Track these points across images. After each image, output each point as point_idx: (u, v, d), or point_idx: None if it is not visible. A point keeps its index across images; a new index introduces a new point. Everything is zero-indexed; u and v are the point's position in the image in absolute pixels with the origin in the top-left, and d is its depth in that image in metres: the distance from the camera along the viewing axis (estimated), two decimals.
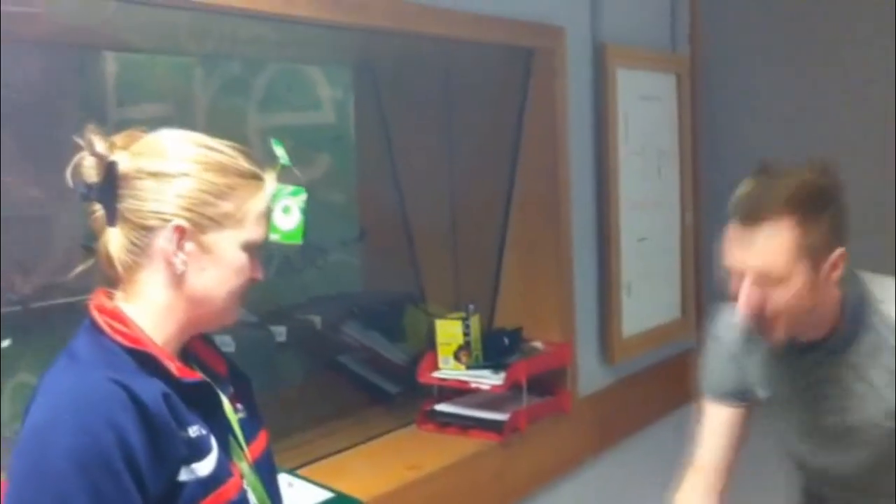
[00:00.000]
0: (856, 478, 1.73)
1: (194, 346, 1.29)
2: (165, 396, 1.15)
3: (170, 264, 1.18)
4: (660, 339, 2.93)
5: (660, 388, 2.98)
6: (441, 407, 2.33)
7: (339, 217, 2.85)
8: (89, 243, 1.23)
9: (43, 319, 2.24)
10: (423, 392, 2.38)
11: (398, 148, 2.74)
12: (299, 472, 1.95)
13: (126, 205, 1.17)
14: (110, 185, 1.17)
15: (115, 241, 1.18)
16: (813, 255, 1.48)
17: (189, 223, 1.17)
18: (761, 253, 1.47)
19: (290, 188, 1.30)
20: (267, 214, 1.25)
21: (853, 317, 1.59)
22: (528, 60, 2.47)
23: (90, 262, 1.22)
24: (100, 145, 1.17)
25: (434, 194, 2.69)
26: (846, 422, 1.65)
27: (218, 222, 1.19)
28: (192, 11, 1.73)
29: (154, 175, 1.17)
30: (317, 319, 2.42)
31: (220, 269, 1.20)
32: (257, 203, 1.22)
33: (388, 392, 2.44)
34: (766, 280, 1.48)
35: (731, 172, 3.07)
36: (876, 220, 2.73)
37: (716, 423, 1.85)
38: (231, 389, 1.30)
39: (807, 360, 1.64)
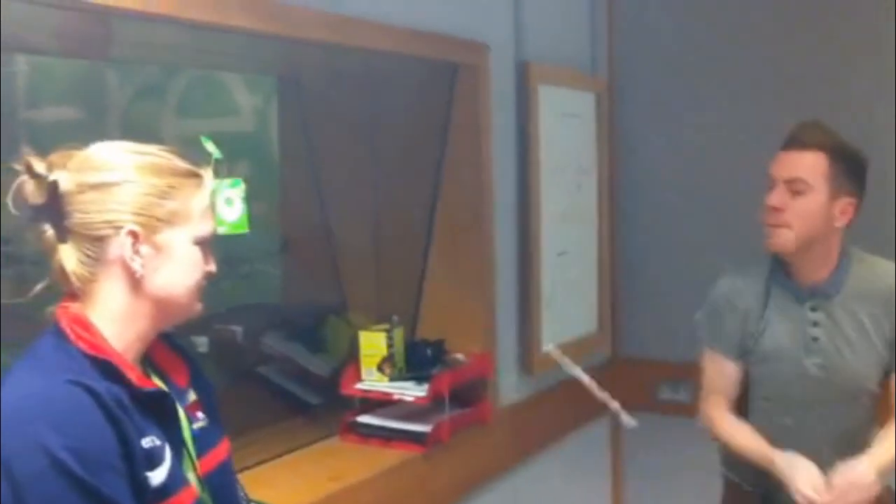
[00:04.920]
0: (830, 440, 2.00)
1: (156, 355, 1.30)
2: (122, 404, 1.15)
3: (128, 269, 1.21)
4: (577, 352, 2.98)
5: (577, 399, 3.03)
6: (363, 419, 2.33)
7: (260, 226, 2.81)
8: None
9: None
10: (345, 404, 2.37)
11: (322, 159, 2.74)
12: None
13: (74, 220, 1.19)
14: (55, 203, 1.19)
15: (68, 256, 1.20)
16: (833, 186, 1.97)
17: (140, 227, 1.20)
18: (798, 166, 1.97)
19: (229, 180, 1.34)
20: (211, 208, 1.29)
21: (845, 265, 2.03)
22: (452, 75, 2.50)
23: (47, 280, 1.24)
24: (39, 167, 1.19)
25: (357, 206, 2.70)
26: (834, 366, 1.98)
27: (167, 221, 1.22)
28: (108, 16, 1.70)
29: (96, 187, 1.19)
30: (238, 330, 2.40)
31: (176, 267, 1.23)
32: (200, 198, 1.26)
33: (309, 403, 2.42)
34: (794, 188, 1.96)
35: (644, 190, 3.22)
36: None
37: (716, 376, 2.20)
38: (190, 398, 1.31)
39: (805, 306, 2.03)
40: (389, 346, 2.33)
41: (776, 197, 1.98)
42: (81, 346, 1.18)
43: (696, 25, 3.10)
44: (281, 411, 2.41)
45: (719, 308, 2.17)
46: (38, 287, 1.23)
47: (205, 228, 1.26)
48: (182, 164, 1.25)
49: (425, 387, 2.26)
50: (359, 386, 2.32)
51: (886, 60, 2.78)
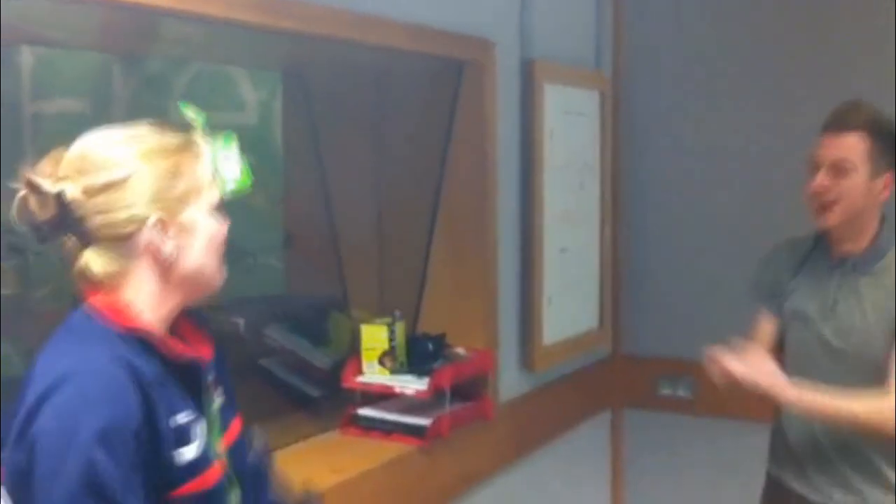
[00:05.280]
0: None
1: (181, 330, 1.31)
2: (160, 379, 1.18)
3: (158, 257, 1.21)
4: (578, 348, 3.00)
5: (577, 395, 3.06)
6: (364, 411, 2.34)
7: (263, 219, 2.83)
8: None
9: None
10: (346, 397, 2.39)
11: (326, 154, 2.75)
12: None
13: (94, 223, 1.18)
14: (67, 213, 1.18)
15: (95, 259, 1.20)
16: (875, 164, 2.02)
17: (163, 212, 1.20)
18: (841, 148, 2.02)
19: (220, 139, 1.31)
20: (214, 171, 1.29)
21: (883, 242, 2.07)
22: (458, 72, 2.51)
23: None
24: (42, 182, 1.17)
25: (361, 201, 2.70)
26: (847, 334, 2.05)
27: (184, 200, 1.22)
28: (115, 9, 1.71)
29: (107, 187, 1.18)
30: (240, 322, 2.41)
31: (202, 240, 1.24)
32: (205, 167, 1.26)
33: (310, 396, 2.44)
34: (838, 168, 2.01)
35: (647, 188, 3.24)
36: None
37: (755, 323, 2.24)
38: (212, 375, 1.31)
39: (835, 274, 2.10)
40: (391, 339, 2.35)
41: (821, 180, 2.04)
42: (115, 322, 1.19)
43: (703, 24, 3.11)
44: (282, 404, 2.42)
45: (762, 264, 2.29)
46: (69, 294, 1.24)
47: (216, 194, 1.27)
48: (177, 138, 1.25)
49: (426, 381, 2.28)
50: (360, 379, 2.33)
51: (888, 60, 2.78)
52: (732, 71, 3.06)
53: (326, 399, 2.43)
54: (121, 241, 1.19)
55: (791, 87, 2.97)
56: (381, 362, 2.34)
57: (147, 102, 2.83)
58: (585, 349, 3.06)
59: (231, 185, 1.30)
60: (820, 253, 2.15)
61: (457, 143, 2.54)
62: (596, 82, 3.05)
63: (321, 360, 2.46)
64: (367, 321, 2.38)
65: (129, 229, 1.19)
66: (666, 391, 3.17)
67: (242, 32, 1.97)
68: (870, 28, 2.85)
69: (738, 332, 2.98)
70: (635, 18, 3.19)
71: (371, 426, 2.32)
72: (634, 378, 3.22)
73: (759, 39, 3.02)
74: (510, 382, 2.66)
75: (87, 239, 1.19)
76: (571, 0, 2.99)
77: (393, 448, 2.25)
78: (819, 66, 2.92)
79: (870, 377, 2.01)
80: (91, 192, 1.18)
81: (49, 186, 1.17)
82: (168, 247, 1.21)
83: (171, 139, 1.24)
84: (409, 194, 2.64)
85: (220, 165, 1.29)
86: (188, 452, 1.20)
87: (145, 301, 1.22)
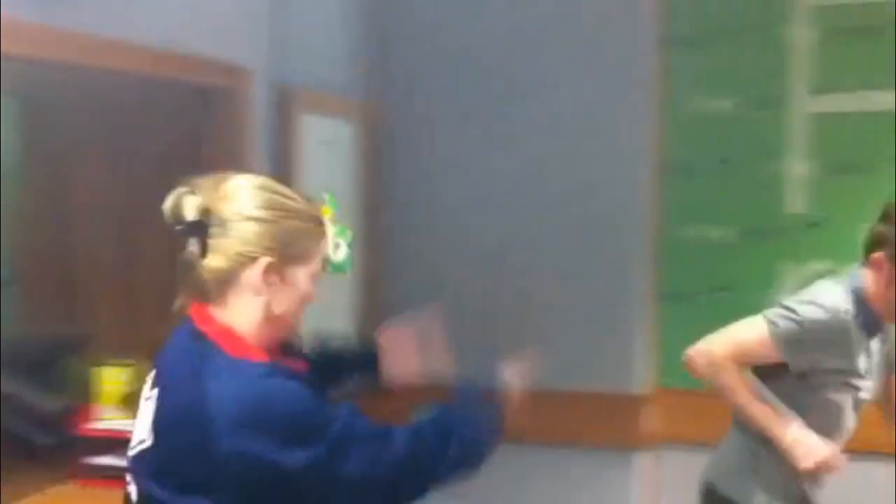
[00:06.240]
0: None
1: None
2: None
3: (256, 292, 1.40)
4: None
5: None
6: (99, 460, 2.18)
7: None
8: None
9: None
10: (84, 445, 2.23)
11: (67, 186, 2.59)
12: None
13: (219, 242, 1.38)
14: (205, 223, 1.38)
15: (207, 271, 1.39)
16: None
17: (274, 260, 1.39)
18: None
19: (338, 228, 1.62)
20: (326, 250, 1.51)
21: None
22: (209, 99, 2.43)
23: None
24: (201, 194, 1.38)
25: (105, 237, 2.56)
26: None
27: (296, 258, 1.42)
28: None
29: (248, 219, 1.38)
30: None
31: (294, 297, 1.44)
32: (323, 244, 1.48)
33: (40, 445, 2.25)
34: None
35: (408, 217, 3.20)
36: None
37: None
38: None
39: (872, 343, 2.22)
40: (134, 381, 2.22)
41: None
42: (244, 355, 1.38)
43: (464, 52, 3.12)
44: (8, 454, 2.22)
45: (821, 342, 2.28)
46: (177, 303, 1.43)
47: (319, 268, 1.47)
48: (314, 213, 1.47)
49: None
50: (95, 425, 2.18)
51: (647, 93, 2.95)
52: (495, 96, 3.10)
53: (60, 447, 2.25)
54: (232, 264, 1.38)
55: (552, 113, 3.05)
56: (121, 406, 2.20)
57: None
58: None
59: (331, 266, 1.40)
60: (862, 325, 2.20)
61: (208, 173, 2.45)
62: (355, 111, 3.04)
63: (54, 405, 2.29)
64: (106, 362, 2.24)
65: (242, 259, 1.38)
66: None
67: None
68: (635, 59, 2.98)
69: (507, 356, 3.02)
70: (396, 45, 3.18)
71: (110, 474, 2.16)
72: (398, 407, 3.19)
73: (520, 65, 3.08)
74: None
75: (206, 252, 1.37)
76: (330, 26, 2.97)
77: None
78: (575, 92, 3.02)
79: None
80: (234, 217, 1.38)
81: (202, 196, 1.38)
82: (265, 290, 1.39)
83: (310, 211, 1.46)
84: (159, 229, 2.51)
85: (331, 248, 1.44)
86: None
87: (244, 326, 1.40)
